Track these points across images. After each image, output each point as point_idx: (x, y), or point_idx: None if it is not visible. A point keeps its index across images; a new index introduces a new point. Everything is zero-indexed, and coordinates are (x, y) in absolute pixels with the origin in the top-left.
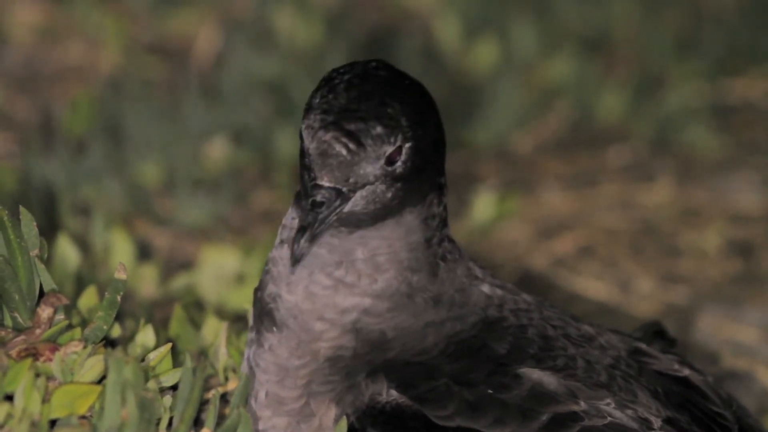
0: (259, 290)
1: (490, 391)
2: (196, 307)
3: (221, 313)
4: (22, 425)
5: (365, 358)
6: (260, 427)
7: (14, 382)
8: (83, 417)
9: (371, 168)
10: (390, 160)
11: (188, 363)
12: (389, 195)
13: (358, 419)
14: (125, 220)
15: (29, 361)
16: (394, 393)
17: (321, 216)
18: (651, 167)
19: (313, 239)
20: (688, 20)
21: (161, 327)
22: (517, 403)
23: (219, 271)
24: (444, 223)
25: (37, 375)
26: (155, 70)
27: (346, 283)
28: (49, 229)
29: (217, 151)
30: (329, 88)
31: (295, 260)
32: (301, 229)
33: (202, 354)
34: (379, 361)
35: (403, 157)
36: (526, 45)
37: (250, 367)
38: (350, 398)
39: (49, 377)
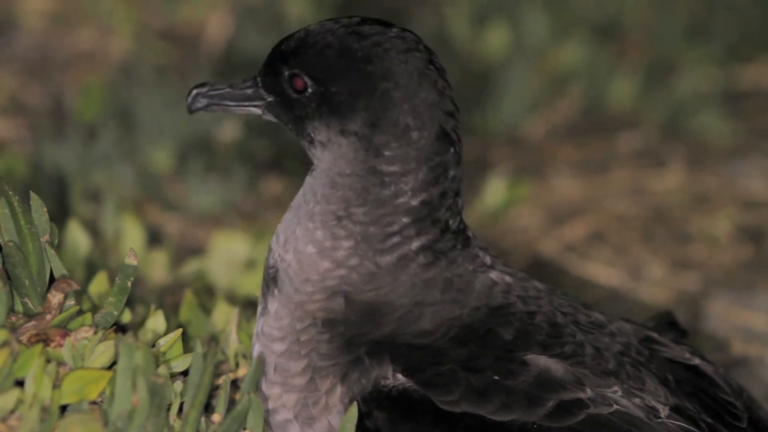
0: (266, 258)
1: (496, 378)
2: (206, 293)
3: (232, 299)
4: (32, 411)
5: (360, 328)
6: (270, 406)
7: (25, 367)
8: (94, 402)
9: (276, 78)
10: (292, 84)
11: (199, 348)
12: (303, 124)
13: (365, 401)
14: (136, 205)
15: (40, 346)
16: (400, 377)
17: (229, 89)
18: (662, 153)
19: (208, 100)
20: (700, 6)
21: (172, 313)
22: (523, 389)
23: (230, 257)
24: (419, 216)
25: (48, 360)
26: (166, 56)
27: (317, 239)
28: (60, 215)
29: (228, 137)
30: (335, 20)
31: (188, 107)
32: (202, 84)
33: (213, 340)
34: (376, 335)
35: (308, 93)
36: (537, 31)
37: (259, 341)
38: (355, 376)
39: (60, 363)
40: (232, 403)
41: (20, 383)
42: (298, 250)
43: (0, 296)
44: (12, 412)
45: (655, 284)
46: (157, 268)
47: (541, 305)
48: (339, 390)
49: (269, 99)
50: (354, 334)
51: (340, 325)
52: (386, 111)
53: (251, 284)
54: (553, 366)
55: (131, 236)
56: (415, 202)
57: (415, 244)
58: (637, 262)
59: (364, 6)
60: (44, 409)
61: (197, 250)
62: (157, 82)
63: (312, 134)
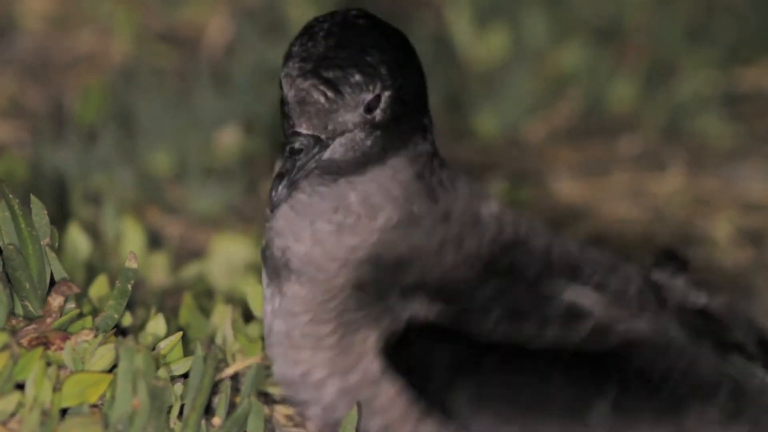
0: (266, 249)
1: (528, 308)
2: (206, 296)
3: (232, 302)
4: (33, 414)
5: (390, 281)
6: (300, 370)
7: (25, 370)
8: (94, 405)
9: (350, 116)
10: (368, 108)
11: (199, 351)
12: (369, 143)
13: (399, 342)
14: (136, 208)
15: (40, 349)
16: (432, 309)
17: (299, 163)
18: (662, 156)
19: (291, 186)
20: (700, 8)
21: (172, 316)
22: (558, 315)
23: (230, 259)
24: (433, 155)
25: (48, 364)
26: (166, 59)
27: (347, 224)
28: (60, 218)
29: (229, 139)
30: (308, 36)
31: (273, 206)
32: (279, 176)
33: (213, 342)
34: (405, 282)
35: (382, 105)
36: (537, 33)
37: (278, 318)
38: (386, 322)
39: (60, 366)
40: (232, 406)
41: (20, 386)
42: (318, 239)
43: (0, 299)
44: (12, 415)
45: None
46: (158, 271)
47: (553, 242)
48: (372, 336)
49: (333, 141)
50: (383, 287)
51: (369, 286)
52: (424, 80)
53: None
54: (584, 300)
55: (131, 239)
56: (430, 143)
57: (435, 180)
58: (637, 264)
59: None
60: (44, 413)
61: (197, 253)
62: (158, 84)
63: (387, 142)
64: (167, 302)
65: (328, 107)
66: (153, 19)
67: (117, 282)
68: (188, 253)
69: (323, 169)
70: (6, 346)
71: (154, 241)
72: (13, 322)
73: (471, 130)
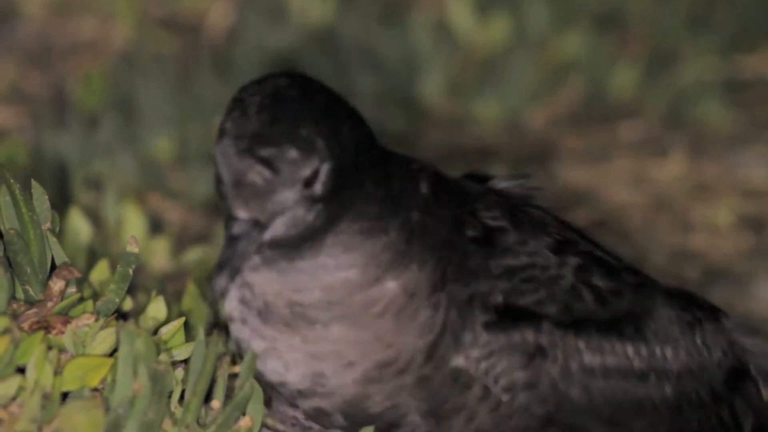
0: (252, 300)
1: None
2: (208, 281)
3: None
4: (34, 397)
5: (433, 299)
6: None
7: (26, 354)
8: (95, 389)
9: (288, 194)
10: (307, 183)
11: (201, 336)
12: (311, 217)
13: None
14: (137, 194)
15: (41, 333)
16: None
17: (239, 249)
18: (663, 142)
19: (233, 274)
20: None
21: (173, 300)
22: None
23: None
24: (388, 187)
25: (49, 348)
26: (168, 45)
27: (352, 276)
28: (62, 204)
29: None
30: (240, 110)
31: (218, 297)
32: (220, 266)
33: (216, 327)
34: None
35: (321, 178)
36: (538, 20)
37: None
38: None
39: (61, 350)
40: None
41: (21, 370)
42: (330, 288)
43: (1, 283)
44: (13, 398)
45: (656, 273)
46: (159, 256)
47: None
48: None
49: (273, 221)
50: (429, 305)
51: (414, 306)
52: (363, 133)
53: None
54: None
55: (132, 224)
56: (382, 176)
57: (394, 191)
58: (638, 251)
59: None
60: (45, 396)
61: (198, 238)
62: (159, 70)
63: (332, 212)
64: (168, 287)
65: (265, 188)
66: (154, 5)
67: (118, 266)
68: (189, 238)
69: (271, 247)
70: (7, 330)
71: (155, 226)
72: (14, 306)
73: (473, 116)
